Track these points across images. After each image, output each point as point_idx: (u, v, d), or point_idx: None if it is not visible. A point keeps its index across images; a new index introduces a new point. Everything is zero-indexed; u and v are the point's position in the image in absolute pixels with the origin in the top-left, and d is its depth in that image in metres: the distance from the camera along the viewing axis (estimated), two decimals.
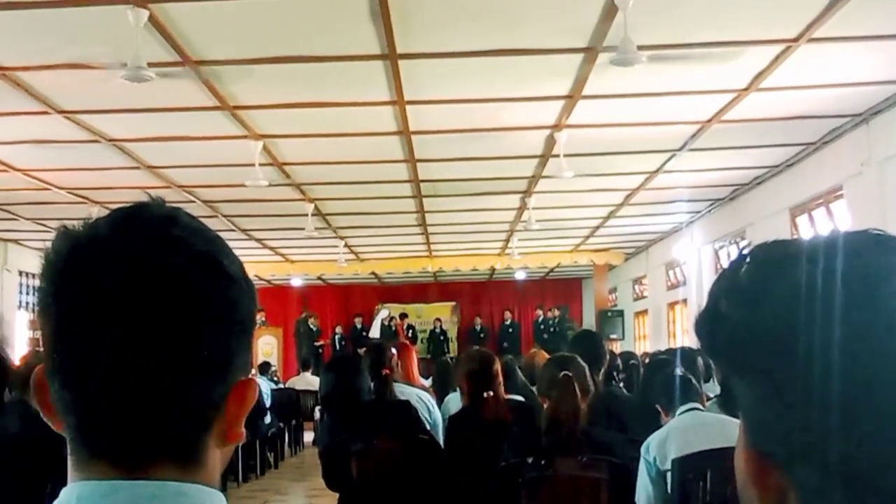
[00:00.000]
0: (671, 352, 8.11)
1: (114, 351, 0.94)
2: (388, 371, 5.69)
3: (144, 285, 0.95)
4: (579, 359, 4.13)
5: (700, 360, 6.12)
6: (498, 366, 5.10)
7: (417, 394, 5.97)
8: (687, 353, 6.02)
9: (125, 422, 0.96)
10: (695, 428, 4.43)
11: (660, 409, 4.63)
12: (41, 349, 1.03)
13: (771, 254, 0.90)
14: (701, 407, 4.58)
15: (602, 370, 5.07)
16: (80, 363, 0.95)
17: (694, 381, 4.59)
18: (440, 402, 7.42)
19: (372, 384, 5.48)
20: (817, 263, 0.84)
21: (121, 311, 0.94)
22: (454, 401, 6.62)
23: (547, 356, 8.38)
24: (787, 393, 0.83)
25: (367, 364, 5.66)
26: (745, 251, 0.92)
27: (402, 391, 5.83)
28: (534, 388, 6.03)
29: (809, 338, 0.81)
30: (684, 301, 18.41)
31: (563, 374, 3.92)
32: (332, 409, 5.40)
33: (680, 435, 4.39)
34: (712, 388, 6.62)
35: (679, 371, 4.64)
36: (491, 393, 4.98)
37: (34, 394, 0.99)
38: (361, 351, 18.70)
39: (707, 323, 0.91)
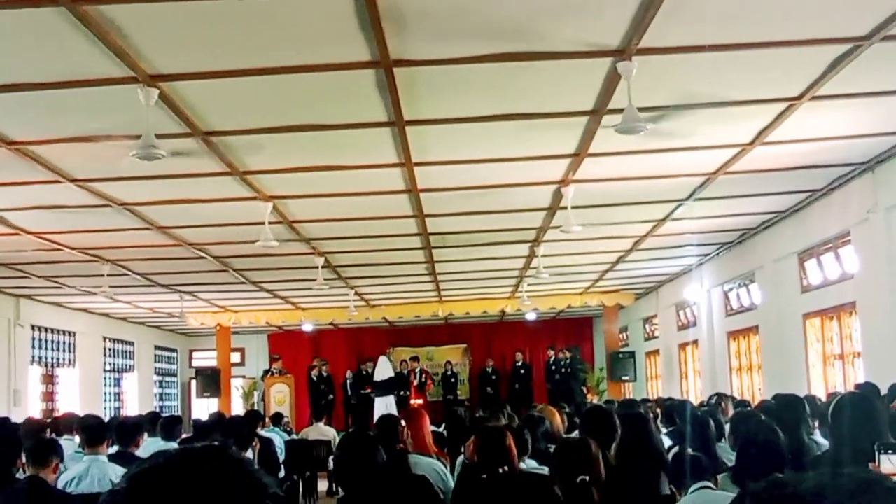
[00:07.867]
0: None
1: None
2: (402, 445, 5.71)
3: None
4: (592, 444, 4.16)
5: (711, 423, 6.13)
6: (510, 440, 5.12)
7: (431, 464, 5.98)
8: (698, 427, 6.03)
9: None
10: None
11: (673, 489, 4.66)
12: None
13: None
14: (712, 486, 4.61)
15: (615, 444, 5.11)
16: None
17: (705, 459, 4.62)
18: (453, 461, 7.44)
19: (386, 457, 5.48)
20: None
21: None
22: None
23: (554, 411, 8.40)
24: None
25: (377, 438, 5.66)
26: None
27: (417, 462, 5.84)
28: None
29: None
30: (695, 342, 18.37)
31: (580, 479, 3.95)
32: (348, 487, 5.40)
33: None
34: (724, 447, 6.61)
35: (690, 451, 4.68)
36: (506, 468, 5.00)
37: None
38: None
39: None
